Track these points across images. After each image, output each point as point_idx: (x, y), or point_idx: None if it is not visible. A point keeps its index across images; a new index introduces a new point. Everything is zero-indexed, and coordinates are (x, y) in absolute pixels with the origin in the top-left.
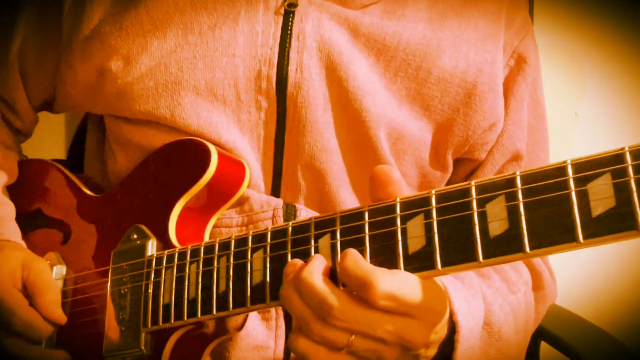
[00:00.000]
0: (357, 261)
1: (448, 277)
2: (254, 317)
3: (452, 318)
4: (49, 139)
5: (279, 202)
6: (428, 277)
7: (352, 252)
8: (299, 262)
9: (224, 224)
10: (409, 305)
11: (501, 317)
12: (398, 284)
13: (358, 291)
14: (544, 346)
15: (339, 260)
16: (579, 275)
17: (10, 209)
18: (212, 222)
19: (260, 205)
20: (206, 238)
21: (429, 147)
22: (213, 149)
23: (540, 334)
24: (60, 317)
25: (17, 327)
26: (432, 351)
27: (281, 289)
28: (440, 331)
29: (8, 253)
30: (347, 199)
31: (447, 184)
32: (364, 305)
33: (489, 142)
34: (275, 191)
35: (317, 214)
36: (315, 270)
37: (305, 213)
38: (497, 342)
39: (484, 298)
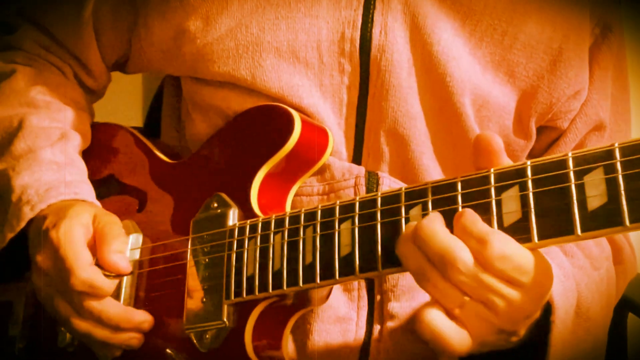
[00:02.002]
0: (475, 220)
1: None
2: (336, 288)
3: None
4: (126, 106)
5: (361, 170)
6: None
7: (470, 211)
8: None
9: (305, 192)
10: (522, 272)
11: (588, 297)
12: (514, 246)
13: (473, 250)
14: (631, 317)
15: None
16: None
17: (84, 172)
18: (294, 190)
19: (341, 173)
20: (288, 207)
21: (512, 114)
22: (296, 115)
23: (627, 305)
24: (124, 266)
25: (77, 287)
26: (523, 331)
27: (398, 245)
28: (539, 309)
29: (81, 207)
30: (430, 167)
31: (528, 153)
32: (482, 265)
33: (573, 110)
34: (356, 158)
35: (399, 182)
36: (435, 220)
37: (387, 181)
38: (586, 322)
39: (573, 277)
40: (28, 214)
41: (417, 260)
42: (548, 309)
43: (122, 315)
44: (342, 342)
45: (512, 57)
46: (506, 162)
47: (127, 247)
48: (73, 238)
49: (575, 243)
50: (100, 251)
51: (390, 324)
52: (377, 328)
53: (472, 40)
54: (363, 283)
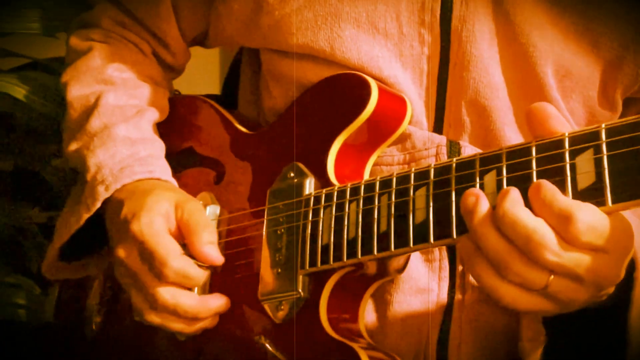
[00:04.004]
0: (555, 193)
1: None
2: (417, 259)
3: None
4: (203, 75)
5: (442, 139)
6: None
7: (549, 184)
8: (478, 191)
9: (385, 162)
10: (606, 239)
11: None
12: (598, 216)
13: (556, 225)
14: None
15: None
16: None
17: (160, 147)
18: (372, 160)
19: (423, 143)
20: (366, 177)
21: (597, 85)
22: (373, 83)
23: None
24: (217, 257)
25: (170, 279)
26: (611, 289)
27: (473, 225)
28: (625, 267)
29: (160, 194)
30: (513, 138)
31: None
32: (566, 241)
33: None
34: (437, 128)
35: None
36: (518, 202)
37: (470, 150)
38: None
39: None
40: (102, 194)
41: (499, 245)
42: (632, 265)
43: (199, 306)
44: (423, 314)
45: (596, 27)
46: (566, 128)
47: (216, 237)
48: (156, 230)
49: None
50: (190, 243)
51: (472, 295)
52: (458, 299)
53: (554, 10)
54: (445, 253)
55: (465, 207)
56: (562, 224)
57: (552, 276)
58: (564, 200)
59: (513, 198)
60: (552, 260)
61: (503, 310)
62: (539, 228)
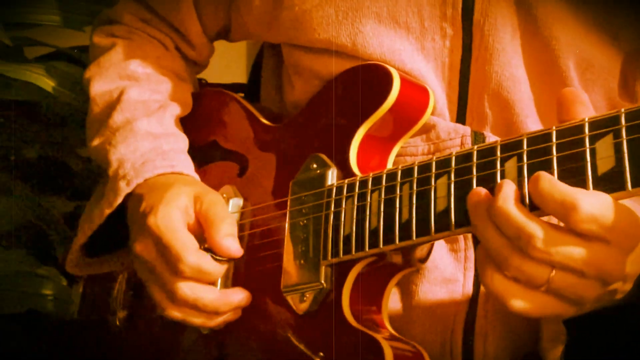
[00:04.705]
0: (553, 182)
1: (629, 201)
2: (442, 249)
3: None
4: (230, 64)
5: (467, 130)
6: (617, 200)
7: (545, 174)
8: (482, 190)
9: (409, 152)
10: (608, 229)
11: None
12: (599, 204)
13: (556, 214)
14: None
15: (527, 184)
16: None
17: (182, 141)
18: (395, 150)
19: (447, 133)
20: (389, 167)
21: (617, 77)
22: (395, 73)
23: None
24: (236, 250)
25: (186, 274)
26: (629, 285)
27: (474, 221)
28: (636, 263)
29: (179, 188)
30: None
31: None
32: (562, 232)
33: None
34: (460, 121)
35: None
36: (508, 198)
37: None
38: None
39: None
40: (124, 189)
41: (496, 239)
42: None
43: (219, 300)
44: (448, 304)
45: (616, 19)
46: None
47: (236, 229)
48: (173, 224)
49: None
50: (210, 235)
51: None
52: (484, 289)
53: (575, 2)
54: (470, 243)
55: (469, 204)
56: (563, 212)
57: (554, 271)
58: (564, 189)
59: (505, 193)
60: (542, 256)
61: None
62: (528, 222)
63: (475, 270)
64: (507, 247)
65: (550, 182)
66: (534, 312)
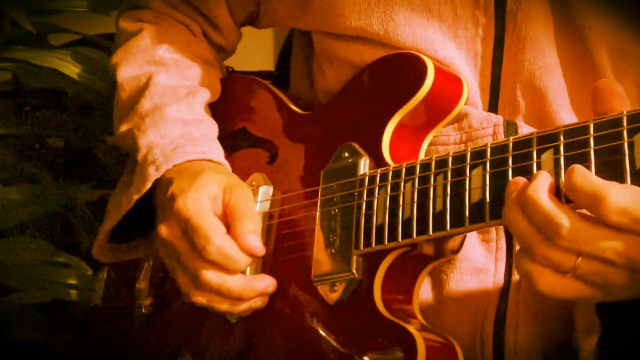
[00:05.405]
0: (586, 175)
1: None
2: (473, 239)
3: None
4: (257, 52)
5: (499, 119)
6: None
7: (579, 167)
8: (521, 180)
9: (441, 141)
10: (638, 221)
11: None
12: (631, 197)
13: (588, 207)
14: None
15: (563, 177)
16: None
17: (213, 127)
18: (428, 140)
19: (479, 122)
20: (421, 157)
21: None
22: (429, 62)
23: None
24: (258, 248)
25: (212, 256)
26: None
27: (504, 208)
28: None
29: (210, 175)
30: (567, 119)
31: None
32: (592, 224)
33: None
34: (492, 110)
35: None
36: (540, 187)
37: (527, 130)
38: None
39: None
40: (153, 174)
41: (522, 226)
42: None
43: (243, 285)
44: (479, 294)
45: None
46: (627, 108)
47: (260, 228)
48: (202, 209)
49: None
50: (234, 229)
51: None
52: (515, 280)
53: None
54: (502, 233)
55: (507, 192)
56: (594, 205)
57: (580, 258)
58: (596, 181)
59: (538, 182)
60: (568, 245)
61: None
62: (557, 211)
63: (507, 260)
64: (534, 234)
65: (584, 175)
66: (560, 294)
